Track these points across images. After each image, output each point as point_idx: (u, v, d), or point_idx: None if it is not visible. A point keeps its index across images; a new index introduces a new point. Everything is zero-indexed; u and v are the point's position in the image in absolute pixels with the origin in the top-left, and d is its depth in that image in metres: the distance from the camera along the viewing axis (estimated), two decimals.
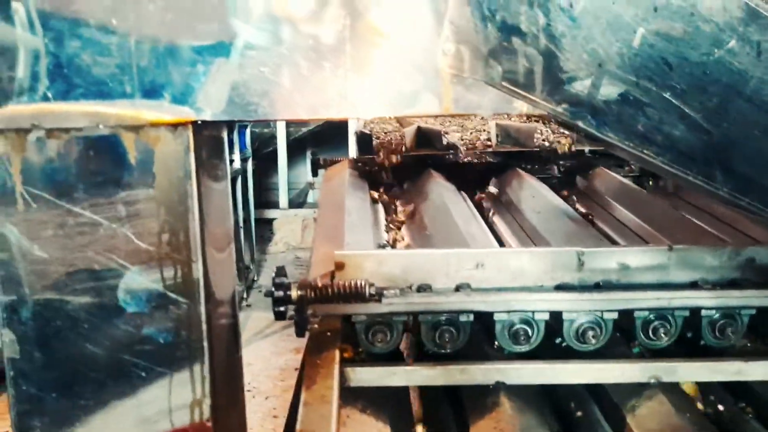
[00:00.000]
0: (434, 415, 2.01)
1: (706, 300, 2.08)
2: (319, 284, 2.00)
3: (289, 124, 9.69)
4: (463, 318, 2.07)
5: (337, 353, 1.88)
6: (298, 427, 1.50)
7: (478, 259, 2.19)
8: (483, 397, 1.91)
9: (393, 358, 2.08)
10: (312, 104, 1.55)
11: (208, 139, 1.70)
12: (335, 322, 2.06)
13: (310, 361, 1.86)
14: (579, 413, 2.05)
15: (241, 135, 8.44)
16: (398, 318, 2.06)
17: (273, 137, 10.01)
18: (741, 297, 2.09)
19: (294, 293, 1.98)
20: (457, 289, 2.13)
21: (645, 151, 1.62)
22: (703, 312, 2.09)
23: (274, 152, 10.03)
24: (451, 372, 1.94)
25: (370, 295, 2.05)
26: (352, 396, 1.88)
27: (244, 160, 8.34)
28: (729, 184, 1.62)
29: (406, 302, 2.05)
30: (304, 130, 9.96)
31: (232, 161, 7.73)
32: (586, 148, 4.11)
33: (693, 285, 2.18)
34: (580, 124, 1.61)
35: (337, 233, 2.63)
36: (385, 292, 2.05)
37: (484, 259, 2.18)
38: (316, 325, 2.03)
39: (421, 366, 1.96)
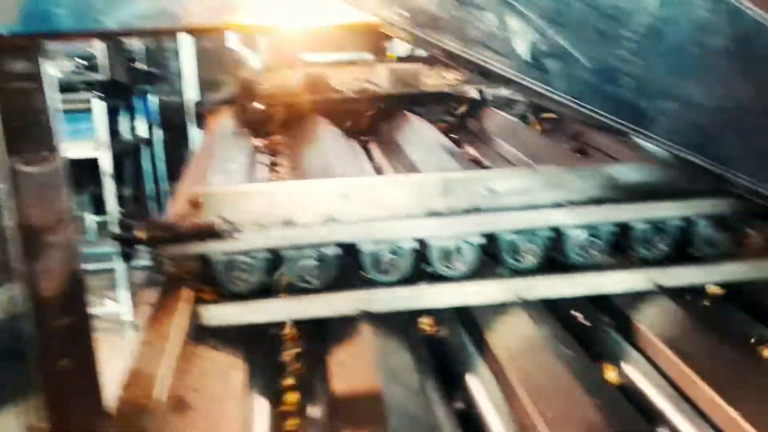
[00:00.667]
0: (300, 351, 1.95)
1: (568, 218, 2.10)
2: (170, 223, 1.90)
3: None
4: (329, 251, 2.02)
5: (189, 293, 1.78)
6: (130, 365, 1.41)
7: (343, 191, 2.12)
8: (346, 327, 1.86)
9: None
10: (129, 14, 1.41)
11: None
12: (191, 263, 1.96)
13: (161, 302, 1.76)
14: (446, 335, 2.05)
15: (144, 102, 8.06)
16: (259, 255, 1.98)
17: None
18: (602, 213, 2.12)
19: (140, 234, 1.87)
20: (323, 222, 2.07)
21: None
22: (566, 231, 2.11)
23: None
24: (312, 304, 1.89)
25: (225, 232, 1.97)
26: (207, 335, 1.80)
27: (149, 129, 7.97)
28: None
29: (266, 238, 1.98)
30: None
31: (134, 128, 7.37)
32: (474, 89, 4.10)
33: (557, 205, 2.21)
34: None
35: (204, 176, 2.51)
36: (242, 228, 1.97)
37: (349, 190, 2.13)
38: (169, 267, 1.93)
39: (280, 300, 1.90)
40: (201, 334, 1.78)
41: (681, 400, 1.65)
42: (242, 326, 1.88)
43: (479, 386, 1.78)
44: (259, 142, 3.48)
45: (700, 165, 1.70)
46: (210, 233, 1.90)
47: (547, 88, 1.54)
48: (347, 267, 2.17)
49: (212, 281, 1.99)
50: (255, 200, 2.06)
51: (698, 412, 1.59)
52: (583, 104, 1.57)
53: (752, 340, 1.85)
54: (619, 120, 1.57)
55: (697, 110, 1.58)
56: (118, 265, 5.83)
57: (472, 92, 4.16)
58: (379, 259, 2.03)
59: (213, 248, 1.94)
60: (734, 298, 2.07)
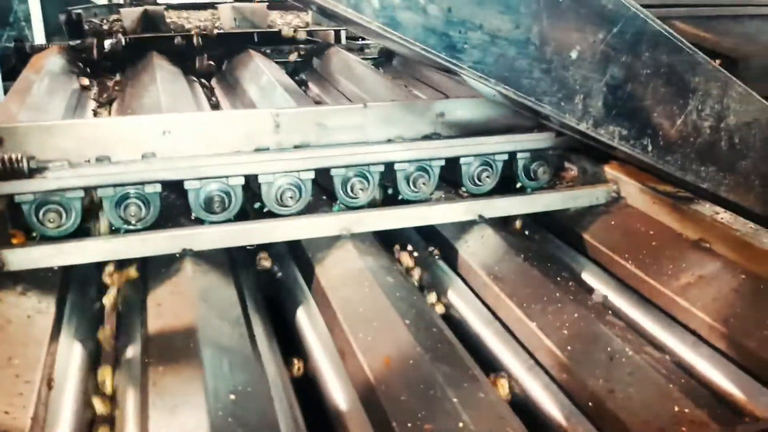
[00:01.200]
0: (120, 290, 1.87)
1: (399, 153, 2.13)
2: None
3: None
4: (149, 189, 1.92)
5: None
6: None
7: (164, 126, 2.02)
8: (167, 266, 1.80)
9: None
10: None
11: None
12: None
13: None
14: (280, 273, 2.04)
15: None
16: (72, 195, 1.85)
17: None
18: (431, 149, 2.17)
19: None
20: (142, 159, 1.96)
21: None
22: (397, 166, 2.14)
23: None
24: (130, 243, 1.80)
25: (30, 169, 1.82)
26: (12, 280, 1.67)
27: None
28: None
29: (79, 176, 1.85)
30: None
31: None
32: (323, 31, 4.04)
33: (388, 141, 2.23)
34: None
35: (14, 116, 2.30)
36: (50, 165, 1.83)
37: (171, 126, 2.03)
38: None
39: (94, 240, 1.79)
40: (6, 280, 1.65)
41: (494, 320, 1.75)
42: (55, 269, 1.77)
43: (306, 318, 1.79)
44: (87, 82, 3.24)
45: (517, 100, 1.77)
46: (13, 171, 1.75)
47: (364, 17, 1.53)
48: (173, 208, 2.09)
49: (21, 224, 1.85)
50: (65, 136, 1.92)
51: (508, 330, 1.69)
52: (394, 33, 1.58)
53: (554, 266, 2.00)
54: (430, 50, 1.60)
55: (504, 42, 1.64)
56: None
57: (321, 33, 4.10)
58: (205, 198, 1.96)
59: (19, 188, 1.79)
60: (550, 225, 2.21)
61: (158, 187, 1.92)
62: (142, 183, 1.90)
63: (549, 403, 1.46)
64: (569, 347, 1.49)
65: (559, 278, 1.79)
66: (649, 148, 1.88)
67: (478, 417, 1.26)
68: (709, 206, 1.91)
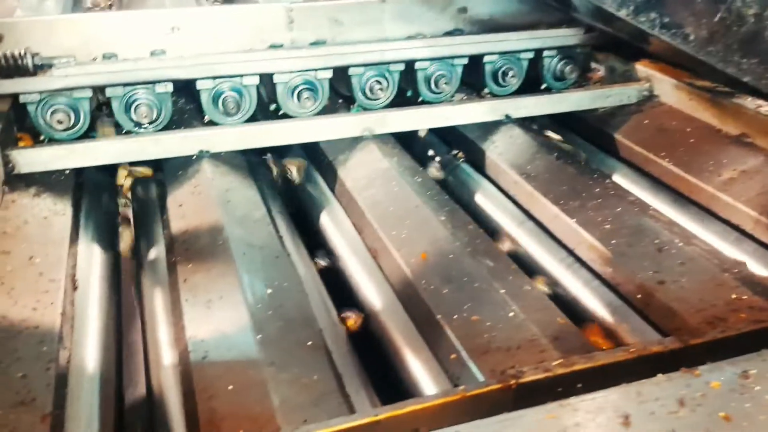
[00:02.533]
0: (136, 193, 1.79)
1: (419, 51, 2.02)
2: None
3: None
4: (160, 89, 1.81)
5: None
6: None
7: (173, 22, 1.90)
8: (185, 168, 1.71)
9: None
10: None
11: None
12: (2, 105, 1.70)
13: None
14: (300, 177, 1.96)
15: None
16: (80, 94, 1.75)
17: None
18: (453, 46, 2.05)
19: None
20: (151, 56, 1.85)
21: None
22: (418, 65, 2.03)
23: None
24: (145, 144, 1.71)
25: (35, 66, 1.71)
26: (24, 182, 1.59)
27: None
28: None
29: (86, 73, 1.74)
30: None
31: None
32: None
33: (408, 38, 2.11)
34: None
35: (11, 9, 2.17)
36: (55, 62, 1.72)
37: (180, 21, 1.91)
38: None
39: (106, 141, 1.70)
40: (17, 182, 1.57)
41: (527, 220, 1.68)
42: (68, 173, 1.68)
43: (330, 221, 1.72)
44: None
45: None
46: (17, 68, 1.64)
47: None
48: (184, 113, 1.99)
49: (28, 127, 1.75)
50: (70, 32, 1.80)
51: (542, 228, 1.63)
52: None
53: (582, 161, 1.92)
54: None
55: None
56: None
57: None
58: (219, 99, 1.86)
59: (23, 86, 1.68)
60: (575, 128, 2.13)
61: (170, 87, 1.81)
62: (153, 82, 1.79)
63: (592, 298, 1.41)
64: (613, 241, 1.43)
65: (595, 175, 1.72)
66: (691, 37, 1.78)
67: (527, 307, 1.21)
68: (751, 99, 1.82)
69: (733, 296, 1.23)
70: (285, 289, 1.28)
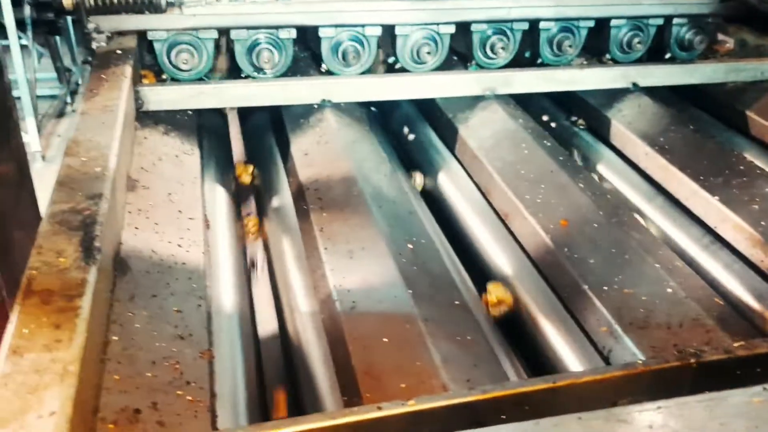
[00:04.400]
0: (255, 145, 1.78)
1: (545, 10, 1.94)
2: None
3: None
4: (283, 34, 1.79)
5: (129, 70, 1.54)
6: (72, 136, 1.21)
7: None
8: (306, 116, 1.69)
9: None
10: None
11: None
12: (129, 41, 1.70)
13: (94, 85, 1.50)
14: (412, 135, 1.92)
15: None
16: (206, 35, 1.73)
17: None
18: (580, 6, 1.96)
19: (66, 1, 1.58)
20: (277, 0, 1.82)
21: None
22: (542, 25, 1.95)
23: None
24: (270, 90, 1.69)
25: (167, 3, 1.70)
26: (153, 120, 1.59)
27: None
28: None
29: (214, 14, 1.72)
30: None
31: None
32: None
33: None
34: None
35: None
36: (185, 0, 1.70)
37: None
38: (103, 44, 1.66)
39: (234, 83, 1.69)
40: (146, 119, 1.57)
41: (658, 195, 1.61)
42: (190, 114, 1.68)
43: (449, 182, 1.68)
44: None
45: None
46: (148, 4, 1.63)
47: None
48: (300, 60, 1.96)
49: (150, 62, 1.75)
50: None
51: (675, 203, 1.56)
52: None
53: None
54: None
55: None
56: (24, 93, 5.05)
57: None
58: (339, 47, 1.82)
59: (152, 23, 1.68)
60: (703, 99, 2.02)
61: (293, 33, 1.78)
62: (277, 27, 1.77)
63: (734, 282, 1.34)
64: (763, 222, 1.36)
65: (735, 151, 1.63)
66: None
67: (685, 284, 1.15)
68: None
69: None
70: (424, 246, 1.25)
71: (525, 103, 2.01)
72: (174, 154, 1.48)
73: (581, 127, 1.93)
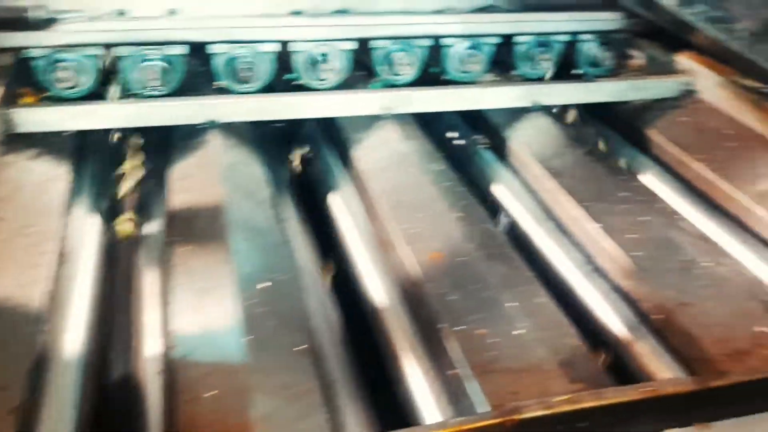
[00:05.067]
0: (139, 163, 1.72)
1: (450, 27, 1.90)
2: None
3: None
4: (173, 50, 1.73)
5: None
6: None
7: None
8: (192, 137, 1.64)
9: None
10: None
11: None
12: (4, 59, 1.63)
13: None
14: (311, 153, 1.88)
15: None
16: (88, 51, 1.67)
17: None
18: (486, 23, 1.94)
19: None
20: (165, 15, 1.76)
21: None
22: (446, 41, 1.91)
23: None
24: (152, 109, 1.63)
25: (47, 19, 1.63)
26: (24, 143, 1.52)
27: None
28: None
29: (95, 30, 1.66)
30: None
31: None
32: None
33: (438, 12, 2.00)
34: None
35: None
36: (62, 16, 1.64)
37: None
38: None
39: (112, 104, 1.63)
40: (15, 142, 1.50)
41: (548, 219, 1.59)
42: (69, 135, 1.61)
43: (342, 204, 1.65)
44: None
45: None
46: (18, 20, 1.57)
47: None
48: (195, 76, 1.90)
49: (30, 81, 1.68)
50: None
51: (562, 229, 1.54)
52: None
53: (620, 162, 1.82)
54: None
55: None
56: None
57: None
58: (233, 64, 1.77)
59: (28, 40, 1.61)
60: (607, 119, 2.01)
61: (183, 49, 1.73)
62: (165, 43, 1.71)
63: (609, 312, 1.33)
64: (637, 252, 1.34)
65: (624, 176, 1.62)
66: (739, 34, 1.65)
67: (536, 324, 1.13)
68: None
69: (760, 329, 1.14)
70: (282, 282, 1.21)
71: (433, 119, 1.98)
72: (39, 180, 1.42)
73: (484, 146, 1.90)
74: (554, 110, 1.93)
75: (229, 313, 1.09)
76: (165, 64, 1.72)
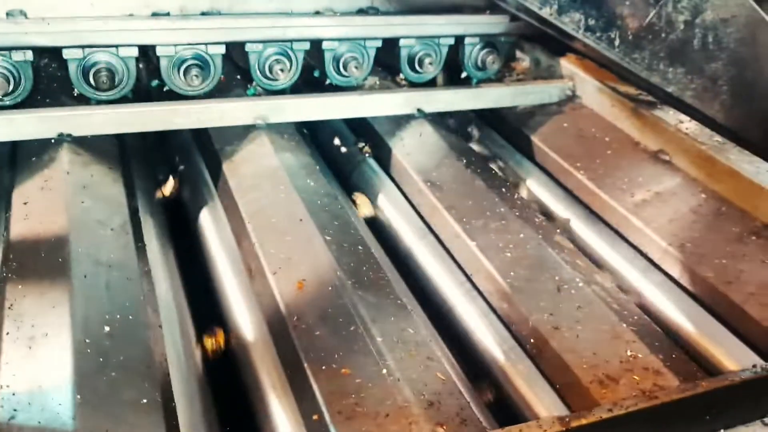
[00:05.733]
0: None
1: (328, 30, 1.81)
2: None
3: None
4: (17, 57, 1.55)
5: None
6: None
7: None
8: (39, 154, 1.48)
9: None
10: None
11: None
12: None
13: None
14: (182, 166, 1.75)
15: None
16: None
17: None
18: (366, 26, 1.86)
19: None
20: (6, 18, 1.58)
21: None
22: (325, 45, 1.82)
23: None
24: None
25: None
26: None
27: None
28: None
29: None
30: None
31: None
32: None
33: (316, 14, 1.91)
34: None
35: None
36: None
37: None
38: None
39: None
40: None
41: (429, 234, 1.54)
42: None
43: (211, 224, 1.53)
44: None
45: None
46: None
47: None
48: (52, 80, 1.73)
49: None
50: None
51: (443, 247, 1.49)
52: None
53: (501, 173, 1.79)
54: None
55: None
56: None
57: None
58: (90, 71, 1.61)
59: None
60: (494, 124, 1.99)
61: (29, 55, 1.56)
62: (9, 48, 1.54)
63: (486, 334, 1.29)
64: (512, 272, 1.31)
65: (504, 189, 1.58)
66: (616, 42, 1.64)
67: (405, 360, 1.07)
68: (673, 113, 1.71)
69: (629, 352, 1.13)
70: (129, 323, 1.09)
71: (318, 126, 1.90)
72: None
73: (367, 154, 1.83)
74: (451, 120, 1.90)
75: (64, 364, 0.97)
76: (9, 72, 1.55)
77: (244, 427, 1.11)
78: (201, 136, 1.75)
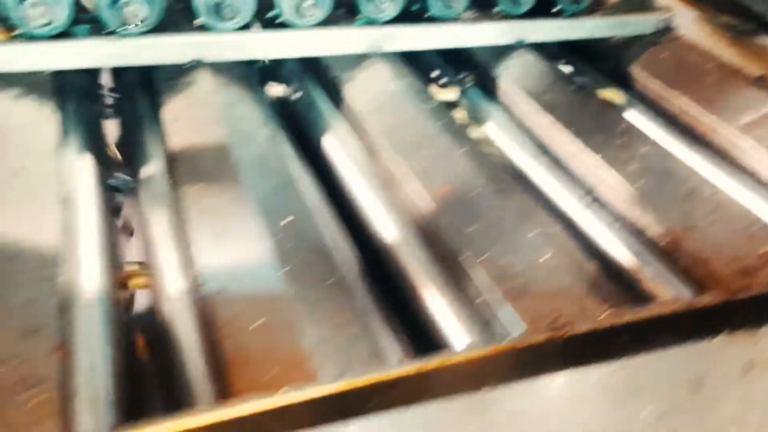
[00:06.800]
0: (127, 108, 1.65)
1: None
2: None
3: None
4: None
5: None
6: None
7: None
8: (179, 77, 1.57)
9: None
10: None
11: None
12: None
13: None
14: (298, 93, 1.84)
15: None
16: None
17: None
18: None
19: None
20: None
21: None
22: None
23: None
24: (135, 47, 1.55)
25: None
26: (3, 83, 1.43)
27: None
28: None
29: None
30: None
31: None
32: None
33: None
34: None
35: None
36: None
37: None
38: None
39: (92, 41, 1.54)
40: None
41: (544, 154, 1.61)
42: (48, 75, 1.52)
43: (337, 145, 1.62)
44: None
45: None
46: None
47: None
48: (174, 13, 1.81)
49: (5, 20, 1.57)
50: None
51: (559, 164, 1.56)
52: None
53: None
54: None
55: None
56: None
57: None
58: (215, 1, 1.69)
59: None
60: (591, 54, 2.03)
61: None
62: None
63: (614, 241, 1.36)
64: (640, 181, 1.38)
65: (616, 111, 1.65)
66: None
67: (560, 250, 1.15)
68: None
69: (765, 249, 1.20)
70: (302, 219, 1.19)
71: (416, 58, 1.96)
72: (26, 121, 1.34)
73: (470, 84, 1.90)
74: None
75: (259, 248, 1.07)
76: (144, 1, 1.63)
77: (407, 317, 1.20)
78: (311, 64, 1.82)
